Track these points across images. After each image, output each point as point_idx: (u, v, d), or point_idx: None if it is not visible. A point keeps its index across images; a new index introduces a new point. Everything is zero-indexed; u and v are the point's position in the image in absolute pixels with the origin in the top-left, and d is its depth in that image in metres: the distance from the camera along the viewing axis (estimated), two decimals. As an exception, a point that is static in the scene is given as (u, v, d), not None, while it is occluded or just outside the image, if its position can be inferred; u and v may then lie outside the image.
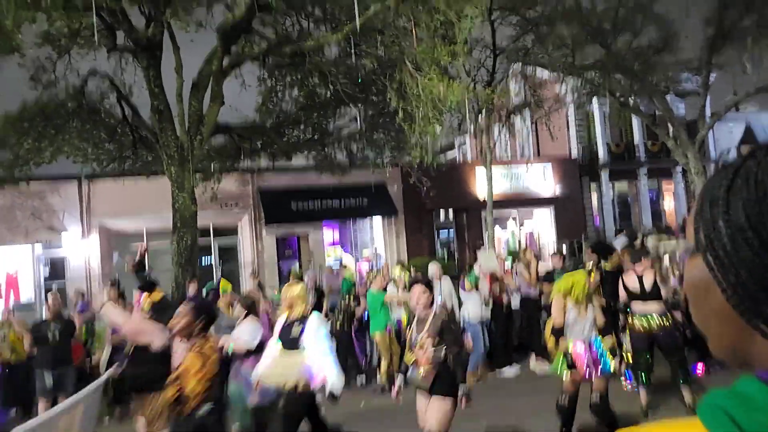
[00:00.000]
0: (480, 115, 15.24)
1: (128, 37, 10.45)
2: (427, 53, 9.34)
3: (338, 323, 8.39)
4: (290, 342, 4.47)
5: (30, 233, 15.17)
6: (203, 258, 16.18)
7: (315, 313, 4.60)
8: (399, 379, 4.47)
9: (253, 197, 16.97)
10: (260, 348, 5.09)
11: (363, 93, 11.35)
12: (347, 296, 8.68)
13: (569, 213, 20.44)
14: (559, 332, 4.78)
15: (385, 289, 8.33)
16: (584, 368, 4.68)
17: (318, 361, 4.31)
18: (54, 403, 7.21)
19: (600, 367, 4.69)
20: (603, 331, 4.77)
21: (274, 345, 4.63)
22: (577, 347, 4.74)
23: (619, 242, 13.68)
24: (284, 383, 4.38)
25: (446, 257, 19.43)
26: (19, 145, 11.25)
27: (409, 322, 8.40)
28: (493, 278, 8.47)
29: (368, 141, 13.22)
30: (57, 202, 15.48)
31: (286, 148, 13.00)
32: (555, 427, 5.84)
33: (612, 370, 4.74)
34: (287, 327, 4.57)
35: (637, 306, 5.80)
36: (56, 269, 16.38)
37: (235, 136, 12.79)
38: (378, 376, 8.24)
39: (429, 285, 4.23)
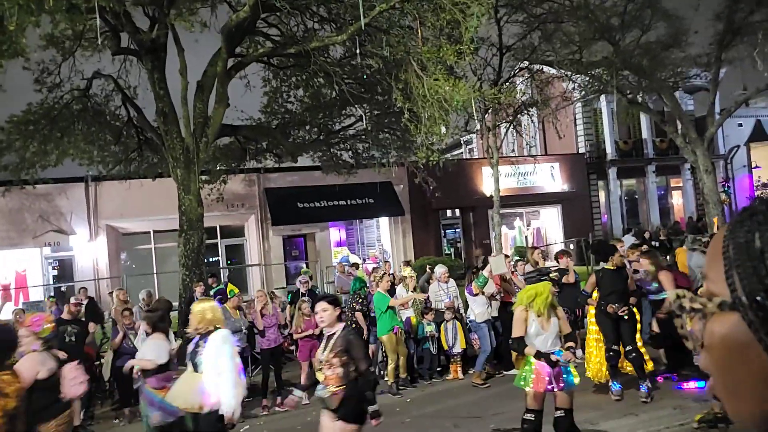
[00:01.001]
0: (486, 114, 15.14)
1: (132, 39, 10.45)
2: (432, 53, 9.26)
3: (349, 322, 8.33)
4: (195, 362, 4.40)
5: (38, 235, 15.26)
6: (209, 258, 16.20)
7: (220, 331, 4.43)
8: (298, 392, 4.47)
9: (259, 198, 16.97)
10: (167, 366, 5.06)
11: (368, 93, 11.29)
12: (357, 295, 8.60)
13: (577, 211, 20.30)
14: (519, 345, 4.64)
15: (389, 290, 8.28)
16: (546, 382, 4.53)
17: (213, 381, 4.16)
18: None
19: (563, 380, 4.53)
20: (567, 339, 4.65)
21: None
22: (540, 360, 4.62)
23: (627, 240, 13.57)
24: (186, 404, 4.30)
25: (453, 255, 19.37)
26: (25, 148, 11.29)
27: (419, 321, 8.46)
28: (502, 278, 8.40)
29: (374, 141, 13.16)
30: (64, 204, 15.56)
31: (292, 148, 12.97)
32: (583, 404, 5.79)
33: (576, 383, 4.61)
34: (195, 346, 4.47)
35: None
36: (64, 270, 16.48)
37: (241, 137, 12.77)
38: (384, 377, 8.22)
39: (334, 302, 4.07)
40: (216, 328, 4.44)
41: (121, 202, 15.15)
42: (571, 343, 4.68)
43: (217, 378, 4.18)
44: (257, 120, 13.05)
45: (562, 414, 4.58)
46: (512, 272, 8.62)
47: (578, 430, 4.66)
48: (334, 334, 3.93)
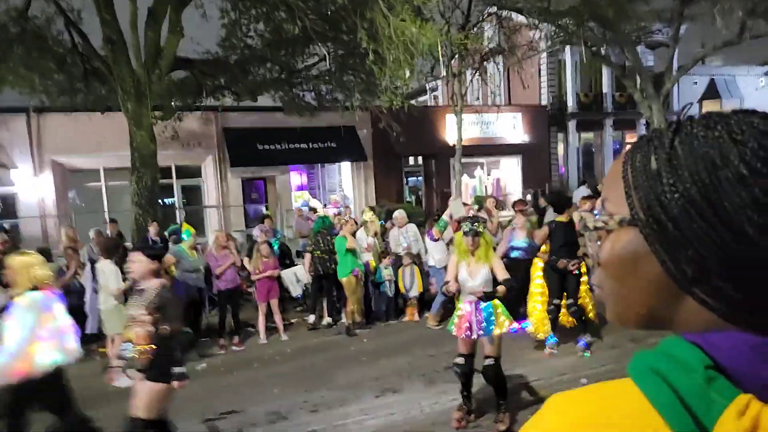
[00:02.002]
0: (453, 60, 14.91)
1: (76, -44, 9.57)
2: (400, -9, 8.92)
3: (315, 264, 8.31)
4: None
5: (-24, 169, 14.37)
6: (165, 198, 15.75)
7: (28, 294, 3.75)
8: (116, 362, 4.19)
9: (217, 137, 16.41)
10: None
11: (333, 31, 10.84)
12: (320, 235, 8.47)
13: (536, 162, 20.66)
14: (449, 289, 4.66)
15: (354, 234, 8.30)
16: (465, 328, 4.59)
17: (12, 347, 3.63)
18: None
19: (482, 328, 4.55)
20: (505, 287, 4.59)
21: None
22: (464, 306, 4.67)
23: (580, 192, 13.97)
24: None
25: (414, 203, 19.53)
26: (-42, 74, 10.41)
27: (377, 267, 8.57)
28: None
29: (337, 83, 12.78)
30: (4, 135, 14.60)
31: (252, 86, 12.45)
32: (508, 365, 6.10)
33: (494, 333, 4.57)
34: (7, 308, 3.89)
35: None
36: (7, 207, 15.68)
37: (197, 72, 12.14)
38: (343, 317, 8.40)
39: (151, 255, 3.73)
40: (33, 288, 3.78)
41: (67, 136, 14.33)
42: (499, 288, 4.60)
43: (16, 343, 3.61)
44: (214, 54, 12.39)
45: (491, 362, 4.61)
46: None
47: (504, 379, 4.71)
48: (145, 289, 3.63)
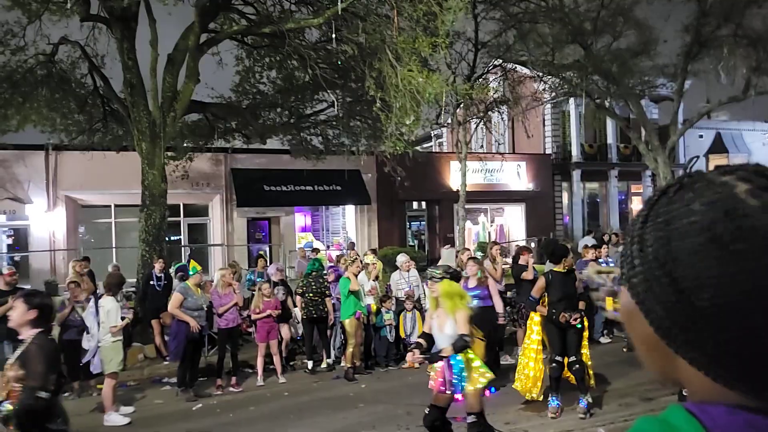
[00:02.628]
0: (458, 109, 15.32)
1: (103, 5, 10.14)
2: (408, 43, 9.31)
3: (308, 307, 8.31)
4: None
5: (-8, 202, 14.72)
6: (171, 236, 15.95)
7: None
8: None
9: (225, 178, 16.76)
10: None
11: (342, 79, 11.26)
12: (311, 277, 8.50)
13: (540, 210, 20.78)
14: (427, 339, 4.70)
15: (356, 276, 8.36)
16: (439, 383, 4.53)
17: None
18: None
19: (454, 385, 4.45)
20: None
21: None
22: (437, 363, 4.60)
23: (585, 241, 14.00)
24: None
25: (417, 247, 19.59)
26: (-16, 112, 10.87)
27: (378, 310, 8.57)
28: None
29: (344, 128, 13.15)
30: (22, 171, 15.03)
31: (262, 130, 12.84)
32: (513, 416, 6.01)
33: (467, 389, 4.47)
34: None
35: None
36: (19, 240, 15.95)
37: (210, 115, 12.57)
38: (343, 362, 8.34)
39: (33, 303, 3.32)
40: None
41: (82, 173, 14.72)
42: (445, 349, 4.48)
43: None
44: (227, 99, 12.86)
45: (473, 419, 4.50)
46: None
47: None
48: (23, 340, 3.32)
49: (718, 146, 26.12)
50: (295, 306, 9.48)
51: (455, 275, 4.76)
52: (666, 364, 0.61)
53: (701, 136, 25.77)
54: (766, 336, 0.53)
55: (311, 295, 8.32)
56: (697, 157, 24.95)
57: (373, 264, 9.15)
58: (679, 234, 0.56)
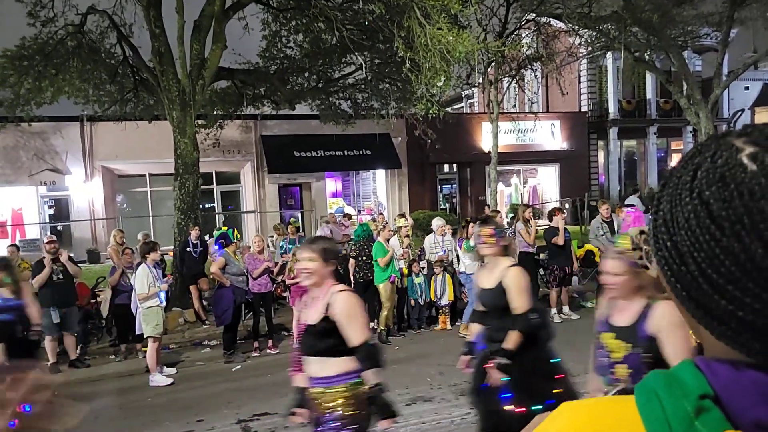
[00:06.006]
0: (489, 67, 14.85)
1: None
2: (437, 0, 8.98)
3: (362, 270, 8.30)
4: None
5: (34, 173, 15.22)
6: (205, 204, 16.25)
7: None
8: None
9: (255, 145, 16.84)
10: None
11: (369, 41, 11.00)
12: (363, 241, 8.49)
13: (575, 170, 20.27)
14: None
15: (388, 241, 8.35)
16: None
17: None
18: (60, 340, 7.46)
19: None
20: None
21: None
22: None
23: (631, 201, 13.72)
24: None
25: (448, 210, 19.47)
26: (20, 84, 11.08)
27: (409, 273, 8.57)
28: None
29: (373, 91, 12.93)
30: (60, 143, 15.43)
31: (290, 95, 12.75)
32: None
33: None
34: None
35: None
36: (61, 210, 16.54)
37: (238, 82, 12.52)
38: (376, 324, 8.45)
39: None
40: None
41: (116, 143, 15.02)
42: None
43: None
44: (255, 64, 12.76)
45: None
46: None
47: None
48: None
49: (765, 98, 24.75)
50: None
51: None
52: (690, 321, 0.61)
53: (747, 88, 24.45)
54: (755, 305, 0.52)
55: (365, 258, 8.34)
56: (743, 110, 23.75)
57: (406, 226, 9.09)
58: (680, 199, 0.57)
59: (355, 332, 2.81)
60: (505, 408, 3.26)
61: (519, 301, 3.43)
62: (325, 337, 2.82)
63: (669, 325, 2.48)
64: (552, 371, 3.45)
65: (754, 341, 0.54)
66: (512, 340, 3.36)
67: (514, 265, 3.56)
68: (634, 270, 2.66)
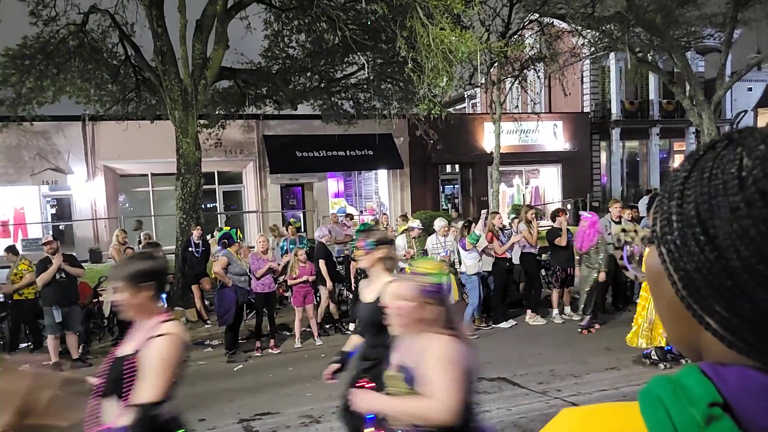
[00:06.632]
0: (492, 68, 14.83)
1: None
2: (440, 0, 8.96)
3: (357, 273, 8.33)
4: None
5: (36, 173, 15.22)
6: (207, 203, 16.25)
7: None
8: None
9: (257, 145, 16.84)
10: None
11: (372, 40, 10.99)
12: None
13: (577, 171, 20.23)
14: None
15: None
16: None
17: None
18: (63, 339, 7.44)
19: None
20: None
21: None
22: None
23: (644, 202, 13.70)
24: None
25: (450, 211, 19.44)
26: (21, 84, 11.09)
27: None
28: (495, 235, 8.48)
29: (376, 91, 12.92)
30: (62, 142, 15.44)
31: (292, 95, 12.74)
32: (545, 377, 6.00)
33: None
34: None
35: None
36: (63, 209, 16.55)
37: (240, 82, 12.53)
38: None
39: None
40: None
41: (118, 143, 15.02)
42: None
43: None
44: (257, 64, 12.76)
45: None
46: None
47: None
48: None
49: (769, 99, 24.70)
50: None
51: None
52: (688, 330, 0.59)
53: (750, 89, 24.40)
54: None
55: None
56: (745, 111, 23.68)
57: (420, 229, 9.06)
58: (724, 189, 0.54)
59: (144, 387, 2.18)
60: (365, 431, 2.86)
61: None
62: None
63: (433, 359, 2.10)
64: None
65: (759, 342, 0.53)
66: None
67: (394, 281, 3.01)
68: (423, 299, 2.23)
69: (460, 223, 9.15)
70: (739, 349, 0.54)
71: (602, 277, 7.75)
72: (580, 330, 7.80)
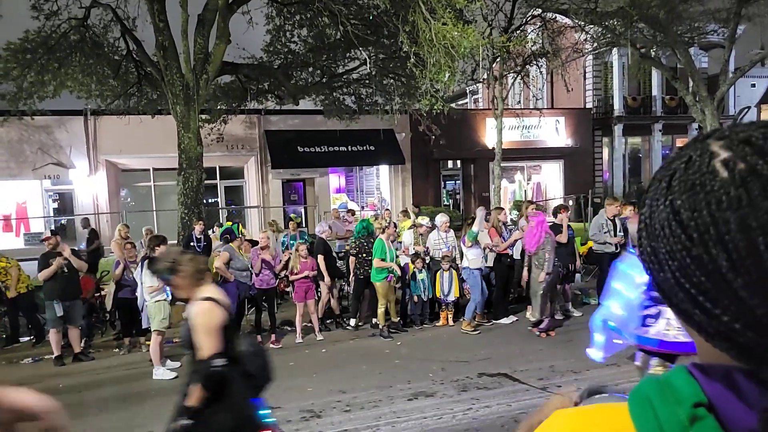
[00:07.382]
0: (494, 63, 14.78)
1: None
2: (442, -5, 8.94)
3: (362, 267, 8.31)
4: None
5: (38, 167, 15.24)
6: (209, 198, 16.26)
7: None
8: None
9: (259, 140, 16.83)
10: None
11: (374, 35, 10.96)
12: (363, 238, 8.50)
13: (579, 167, 20.20)
14: None
15: (393, 240, 8.36)
16: None
17: None
18: (65, 333, 7.47)
19: None
20: None
21: None
22: None
23: None
24: None
25: (452, 207, 19.43)
26: (23, 78, 11.09)
27: (414, 269, 8.56)
28: (498, 231, 8.47)
29: (378, 86, 12.90)
30: (63, 137, 15.44)
31: (294, 90, 12.73)
32: (546, 373, 6.01)
33: None
34: None
35: None
36: (65, 204, 16.58)
37: (242, 77, 12.51)
38: (374, 320, 8.47)
39: None
40: None
41: (120, 137, 15.03)
42: None
43: None
44: (259, 59, 12.75)
45: None
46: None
47: None
48: None
49: (773, 96, 24.61)
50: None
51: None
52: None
53: (753, 85, 24.30)
54: (724, 317, 0.51)
55: (365, 255, 8.33)
56: (749, 107, 23.57)
57: (426, 226, 9.04)
58: (657, 205, 0.56)
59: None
60: None
61: (204, 342, 2.77)
62: None
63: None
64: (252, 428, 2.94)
65: (731, 350, 0.53)
66: (193, 395, 2.76)
67: (207, 299, 2.86)
68: None
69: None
70: (722, 348, 0.54)
71: (542, 277, 7.56)
72: (538, 333, 7.59)
